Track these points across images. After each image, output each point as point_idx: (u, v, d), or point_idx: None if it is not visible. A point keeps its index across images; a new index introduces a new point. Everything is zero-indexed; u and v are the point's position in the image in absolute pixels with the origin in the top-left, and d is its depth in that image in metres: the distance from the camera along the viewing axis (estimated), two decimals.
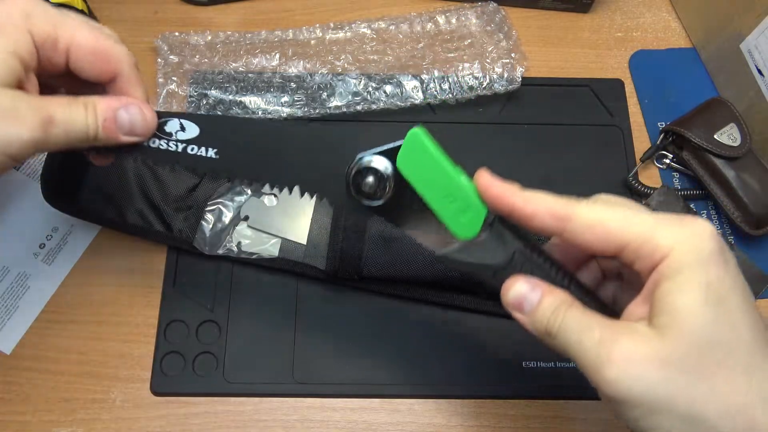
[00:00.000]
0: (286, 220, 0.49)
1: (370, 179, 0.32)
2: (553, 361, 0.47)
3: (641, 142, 0.56)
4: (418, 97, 0.53)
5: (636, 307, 0.28)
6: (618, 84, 0.58)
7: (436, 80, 0.54)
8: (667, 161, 0.54)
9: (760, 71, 0.52)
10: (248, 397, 0.45)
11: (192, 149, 0.35)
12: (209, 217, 0.49)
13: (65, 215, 0.48)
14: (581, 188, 0.52)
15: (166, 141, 0.35)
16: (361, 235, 0.47)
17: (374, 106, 0.53)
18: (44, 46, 0.31)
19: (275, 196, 0.50)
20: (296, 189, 0.35)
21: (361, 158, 0.33)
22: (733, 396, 0.25)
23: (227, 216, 0.49)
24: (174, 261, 0.49)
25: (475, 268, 0.31)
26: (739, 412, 0.25)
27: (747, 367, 0.25)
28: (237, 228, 0.49)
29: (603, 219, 0.28)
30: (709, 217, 0.53)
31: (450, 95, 0.53)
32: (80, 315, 0.47)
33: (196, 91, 0.53)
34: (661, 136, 0.54)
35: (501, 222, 0.31)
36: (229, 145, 0.35)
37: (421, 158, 0.31)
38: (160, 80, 0.53)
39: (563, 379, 0.46)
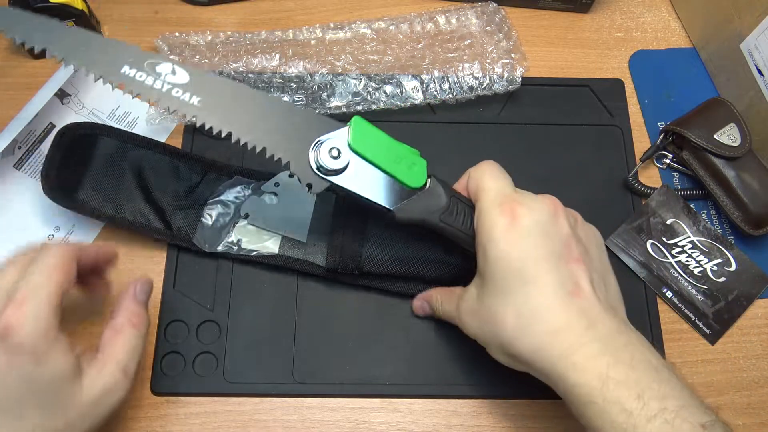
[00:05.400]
0: (286, 218, 0.49)
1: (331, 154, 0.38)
2: None
3: (641, 142, 0.56)
4: (418, 98, 0.53)
5: None
6: (618, 84, 0.58)
7: (436, 80, 0.54)
8: (667, 161, 0.54)
9: (760, 71, 0.52)
10: (248, 397, 0.45)
11: (177, 92, 0.38)
12: (209, 214, 0.49)
13: (67, 215, 0.48)
14: (581, 188, 0.53)
15: (153, 78, 0.37)
16: (360, 232, 0.47)
17: (374, 107, 0.53)
18: None
19: (275, 194, 0.50)
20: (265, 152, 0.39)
21: (319, 141, 0.39)
22: (526, 300, 0.36)
23: (227, 214, 0.49)
24: (174, 261, 0.49)
25: (428, 214, 0.40)
26: (530, 312, 0.35)
27: (531, 278, 0.35)
28: (237, 225, 0.49)
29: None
30: (709, 217, 0.53)
31: (450, 95, 0.54)
32: (81, 315, 0.47)
33: None
34: (661, 136, 0.54)
35: (435, 176, 0.41)
36: (213, 98, 0.38)
37: (369, 137, 0.39)
38: None
39: None
